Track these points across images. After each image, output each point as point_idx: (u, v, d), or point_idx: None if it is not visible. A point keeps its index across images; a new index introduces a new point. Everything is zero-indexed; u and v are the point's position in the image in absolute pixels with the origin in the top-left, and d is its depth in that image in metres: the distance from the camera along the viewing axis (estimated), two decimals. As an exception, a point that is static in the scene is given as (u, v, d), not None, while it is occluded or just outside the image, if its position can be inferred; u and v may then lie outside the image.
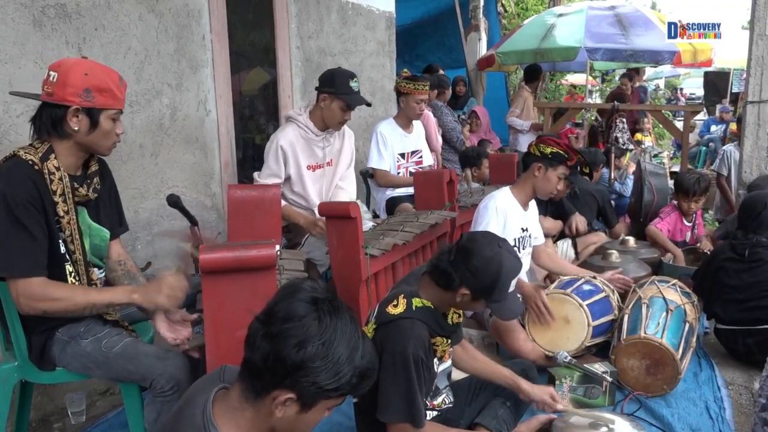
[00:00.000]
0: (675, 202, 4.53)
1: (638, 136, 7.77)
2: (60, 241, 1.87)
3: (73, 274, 1.91)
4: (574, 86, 13.92)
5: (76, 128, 1.84)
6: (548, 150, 2.92)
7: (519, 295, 2.92)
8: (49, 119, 1.84)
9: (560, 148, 2.92)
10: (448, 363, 2.11)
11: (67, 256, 1.89)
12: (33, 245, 1.78)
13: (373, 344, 1.87)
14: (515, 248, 3.00)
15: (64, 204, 1.85)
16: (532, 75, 7.40)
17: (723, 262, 3.12)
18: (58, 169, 1.84)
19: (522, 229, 3.05)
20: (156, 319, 1.95)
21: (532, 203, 3.16)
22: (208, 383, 1.30)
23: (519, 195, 3.04)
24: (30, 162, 1.80)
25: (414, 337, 1.83)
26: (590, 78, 14.72)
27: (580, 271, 3.19)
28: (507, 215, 2.94)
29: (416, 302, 1.91)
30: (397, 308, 1.89)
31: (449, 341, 2.04)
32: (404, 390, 1.82)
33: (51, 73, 1.84)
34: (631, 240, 4.15)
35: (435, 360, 1.99)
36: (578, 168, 3.07)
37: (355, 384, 1.20)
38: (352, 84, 3.11)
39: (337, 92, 3.07)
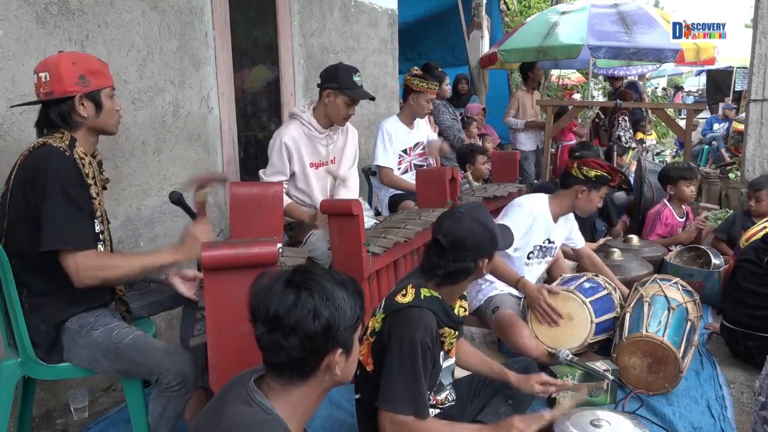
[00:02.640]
0: (665, 200, 4.53)
1: (639, 134, 7.76)
2: (95, 220, 1.94)
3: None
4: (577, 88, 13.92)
5: (85, 115, 1.94)
6: (592, 173, 2.97)
7: (522, 296, 2.94)
8: (58, 115, 1.93)
9: (604, 171, 2.98)
10: (453, 360, 2.11)
11: (99, 236, 1.95)
12: (85, 220, 1.88)
13: (381, 334, 1.88)
14: (532, 254, 3.04)
15: (95, 186, 1.95)
16: (525, 74, 7.47)
17: (743, 262, 3.12)
18: (85, 154, 1.94)
19: (548, 239, 3.09)
20: (174, 282, 2.09)
21: (567, 216, 3.19)
22: (245, 373, 1.38)
23: (554, 208, 3.07)
24: (61, 149, 1.87)
25: (423, 326, 1.83)
26: (581, 76, 14.74)
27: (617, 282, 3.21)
28: (536, 221, 2.99)
29: (425, 292, 1.92)
30: (405, 297, 1.90)
31: (456, 333, 2.04)
32: (409, 379, 1.80)
33: (40, 75, 1.92)
34: (635, 238, 4.15)
35: (441, 353, 1.99)
36: (620, 187, 3.12)
37: (362, 302, 1.36)
38: (356, 78, 3.12)
39: (341, 87, 3.08)
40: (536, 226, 2.99)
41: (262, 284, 1.31)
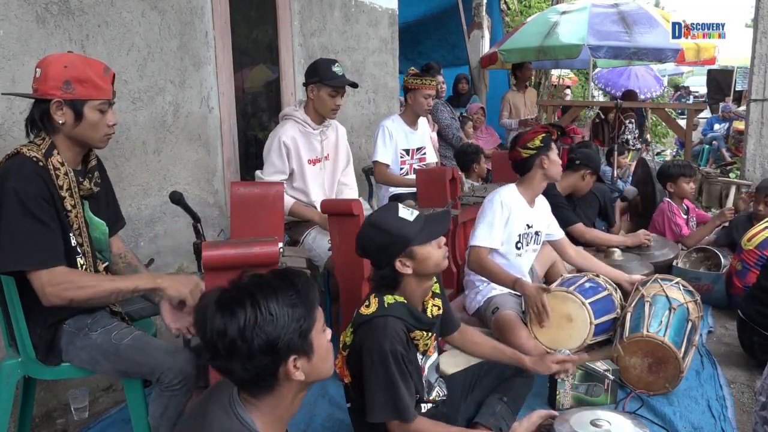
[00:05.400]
0: (667, 198, 4.53)
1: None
2: (70, 234, 1.89)
3: (84, 266, 1.93)
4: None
5: (61, 121, 1.86)
6: (537, 142, 2.99)
7: (519, 294, 2.93)
8: (38, 115, 1.88)
9: (543, 132, 3.02)
10: (434, 356, 2.12)
11: (78, 249, 1.91)
12: (50, 236, 1.80)
13: (353, 347, 1.88)
14: (520, 244, 3.02)
15: (71, 198, 1.88)
16: (515, 73, 7.54)
17: None
18: (62, 164, 1.86)
19: (527, 225, 3.07)
20: (162, 306, 1.95)
21: (541, 201, 3.17)
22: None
23: (525, 192, 3.06)
24: (34, 159, 1.81)
25: (389, 334, 1.84)
26: (573, 77, 14.73)
27: (609, 270, 3.22)
28: (512, 210, 2.97)
29: (388, 299, 1.92)
30: (369, 308, 1.90)
31: (430, 334, 2.03)
32: (385, 387, 1.82)
33: (36, 70, 1.87)
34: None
35: (419, 355, 1.99)
36: (559, 134, 3.16)
37: (308, 297, 1.27)
38: (335, 69, 3.19)
39: (322, 79, 3.16)
40: (513, 215, 2.98)
41: (198, 307, 1.25)
